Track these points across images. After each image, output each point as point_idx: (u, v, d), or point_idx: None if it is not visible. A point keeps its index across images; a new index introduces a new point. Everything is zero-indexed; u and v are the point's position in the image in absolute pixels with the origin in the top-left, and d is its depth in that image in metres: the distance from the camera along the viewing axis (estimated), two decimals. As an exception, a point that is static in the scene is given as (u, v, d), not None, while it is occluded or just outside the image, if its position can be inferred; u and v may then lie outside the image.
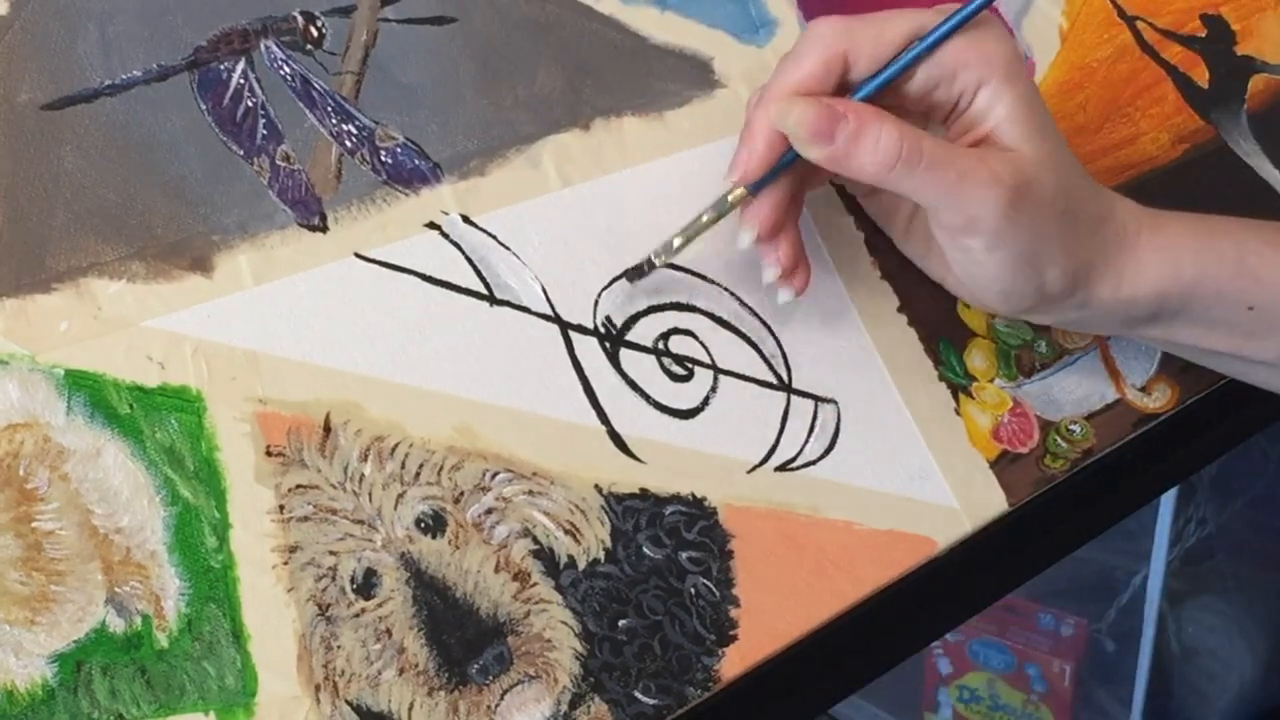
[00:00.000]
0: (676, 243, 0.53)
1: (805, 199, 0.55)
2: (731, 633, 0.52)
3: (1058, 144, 0.50)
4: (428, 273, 0.53)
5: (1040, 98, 0.50)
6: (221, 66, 0.53)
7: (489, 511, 0.51)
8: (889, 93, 0.50)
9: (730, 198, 0.51)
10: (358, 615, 0.49)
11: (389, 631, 0.49)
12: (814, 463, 0.54)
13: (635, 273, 0.53)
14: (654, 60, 0.57)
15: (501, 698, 0.49)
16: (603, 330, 0.54)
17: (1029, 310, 0.52)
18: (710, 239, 0.53)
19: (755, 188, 0.51)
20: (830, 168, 0.49)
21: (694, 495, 0.53)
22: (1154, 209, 0.52)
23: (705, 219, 0.52)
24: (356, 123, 0.53)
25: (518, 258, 0.54)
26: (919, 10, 0.49)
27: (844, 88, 0.50)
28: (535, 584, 0.50)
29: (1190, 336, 0.53)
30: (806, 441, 0.55)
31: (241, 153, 0.52)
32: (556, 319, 0.53)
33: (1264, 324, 0.52)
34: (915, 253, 0.56)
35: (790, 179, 0.52)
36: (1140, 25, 0.65)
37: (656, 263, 0.53)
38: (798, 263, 0.53)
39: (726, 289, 0.55)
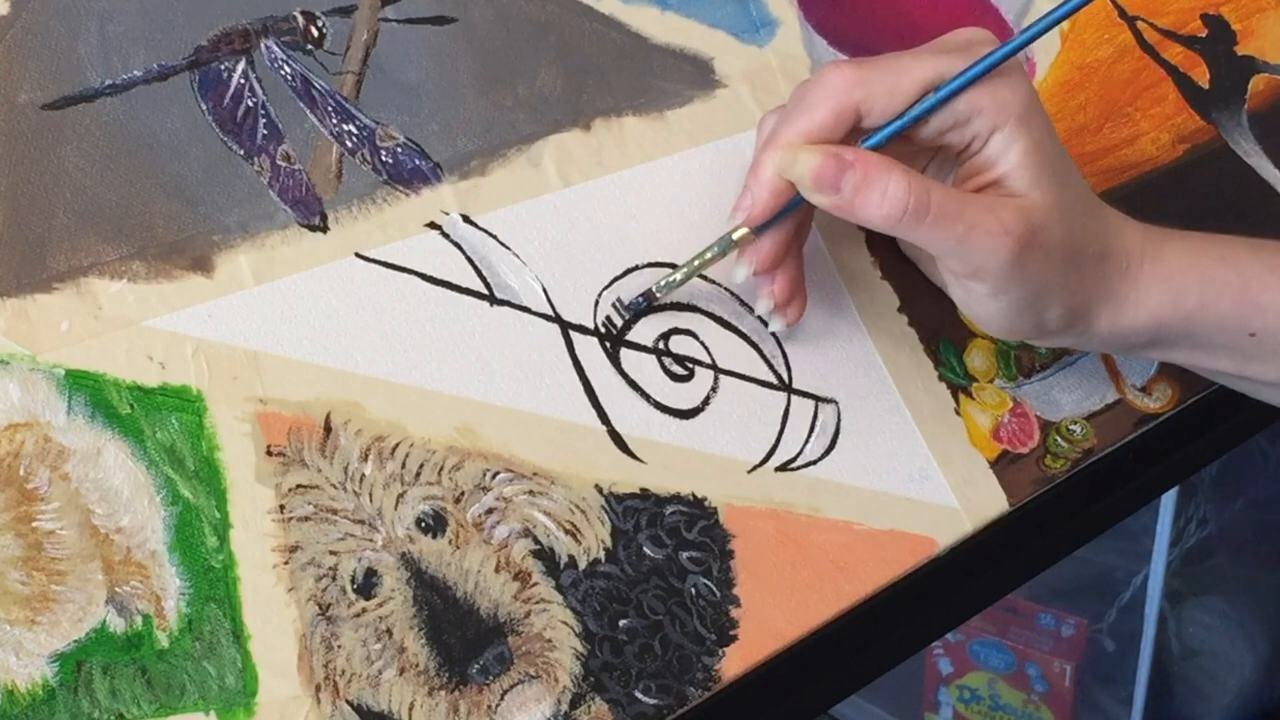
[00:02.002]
0: (678, 277, 0.53)
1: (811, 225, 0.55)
2: (732, 632, 0.52)
3: (1067, 185, 0.50)
4: (428, 272, 0.53)
5: (1055, 139, 0.50)
6: (222, 66, 0.53)
7: (489, 511, 0.51)
8: (900, 134, 0.50)
9: (735, 236, 0.51)
10: (358, 615, 0.49)
11: (389, 631, 0.49)
12: (814, 463, 0.54)
13: (634, 306, 0.54)
14: (655, 60, 0.57)
15: (502, 697, 0.49)
16: (603, 330, 0.54)
17: (1027, 339, 0.53)
18: (712, 239, 0.53)
19: (759, 229, 0.51)
20: (838, 215, 0.49)
21: (694, 495, 0.53)
22: (1157, 232, 0.52)
23: (709, 254, 0.52)
24: (357, 122, 0.53)
25: (518, 257, 0.54)
26: (936, 56, 0.49)
27: (856, 134, 0.50)
28: (536, 584, 0.50)
29: (1190, 359, 0.53)
30: (807, 441, 0.55)
31: (242, 152, 0.52)
32: (557, 319, 0.53)
33: (1266, 349, 0.51)
34: (920, 261, 0.56)
35: (795, 214, 0.52)
36: (1141, 25, 0.65)
37: (658, 296, 0.53)
38: (793, 296, 0.53)
39: (727, 289, 0.55)
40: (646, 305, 0.54)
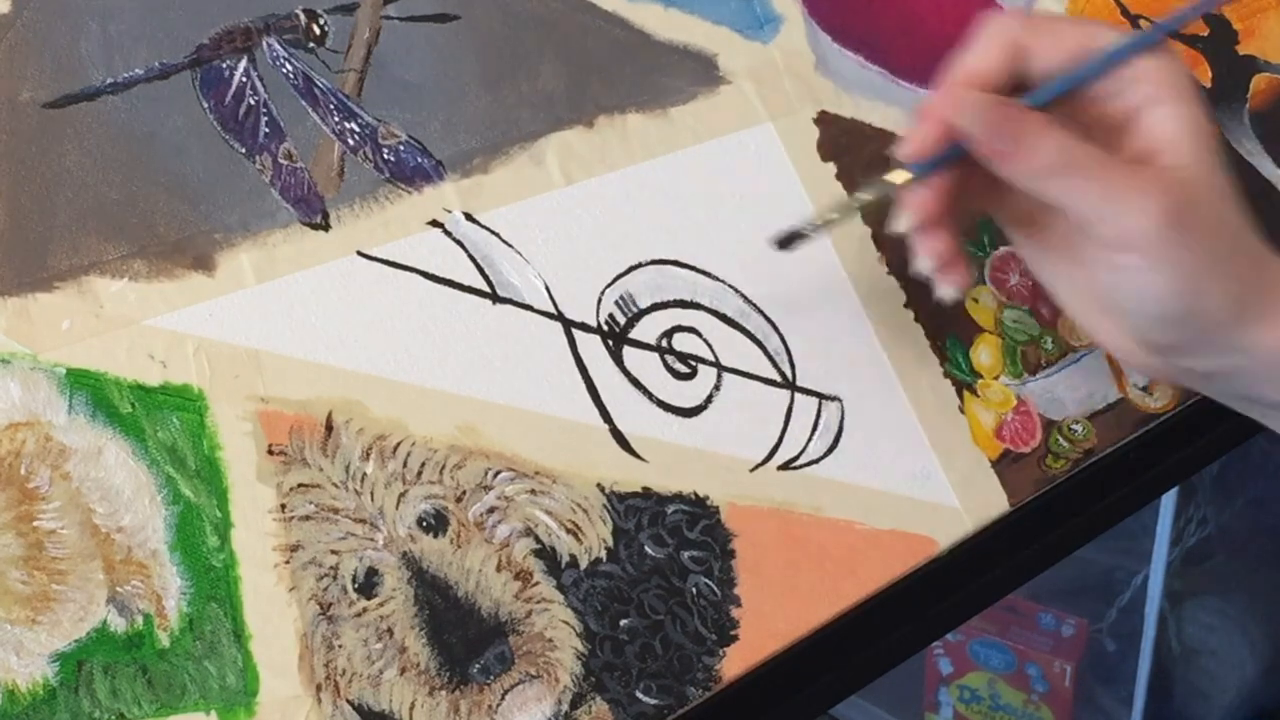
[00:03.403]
0: (833, 216, 0.52)
1: (967, 226, 0.53)
2: (733, 632, 0.52)
3: (1226, 174, 0.47)
4: (430, 271, 0.52)
5: (1214, 124, 0.48)
6: (224, 64, 0.53)
7: (491, 510, 0.51)
8: (1060, 98, 0.48)
9: (895, 178, 0.49)
10: (359, 614, 0.49)
11: (390, 631, 0.49)
12: (817, 461, 0.54)
13: (786, 241, 0.52)
14: (658, 57, 0.57)
15: (503, 697, 0.49)
16: (606, 328, 0.54)
17: (1179, 348, 0.48)
18: (715, 235, 0.53)
19: (919, 171, 0.49)
20: (993, 165, 0.47)
21: (696, 494, 0.53)
22: None
23: (866, 195, 0.50)
24: (359, 120, 0.53)
25: (521, 255, 0.54)
26: (1099, 26, 0.48)
27: (1019, 86, 0.49)
28: (537, 583, 0.50)
29: None
30: (810, 440, 0.55)
31: (244, 151, 0.52)
32: (559, 317, 0.53)
33: None
34: (1051, 269, 0.52)
35: (957, 183, 0.50)
36: (1143, 24, 0.65)
37: (809, 234, 0.52)
38: (954, 258, 0.50)
39: (730, 285, 0.55)
40: (792, 240, 0.52)
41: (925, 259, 0.50)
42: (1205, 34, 0.66)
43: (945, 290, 0.50)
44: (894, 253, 0.58)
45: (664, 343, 0.54)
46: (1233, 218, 0.47)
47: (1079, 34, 0.48)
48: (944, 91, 0.49)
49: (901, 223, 0.49)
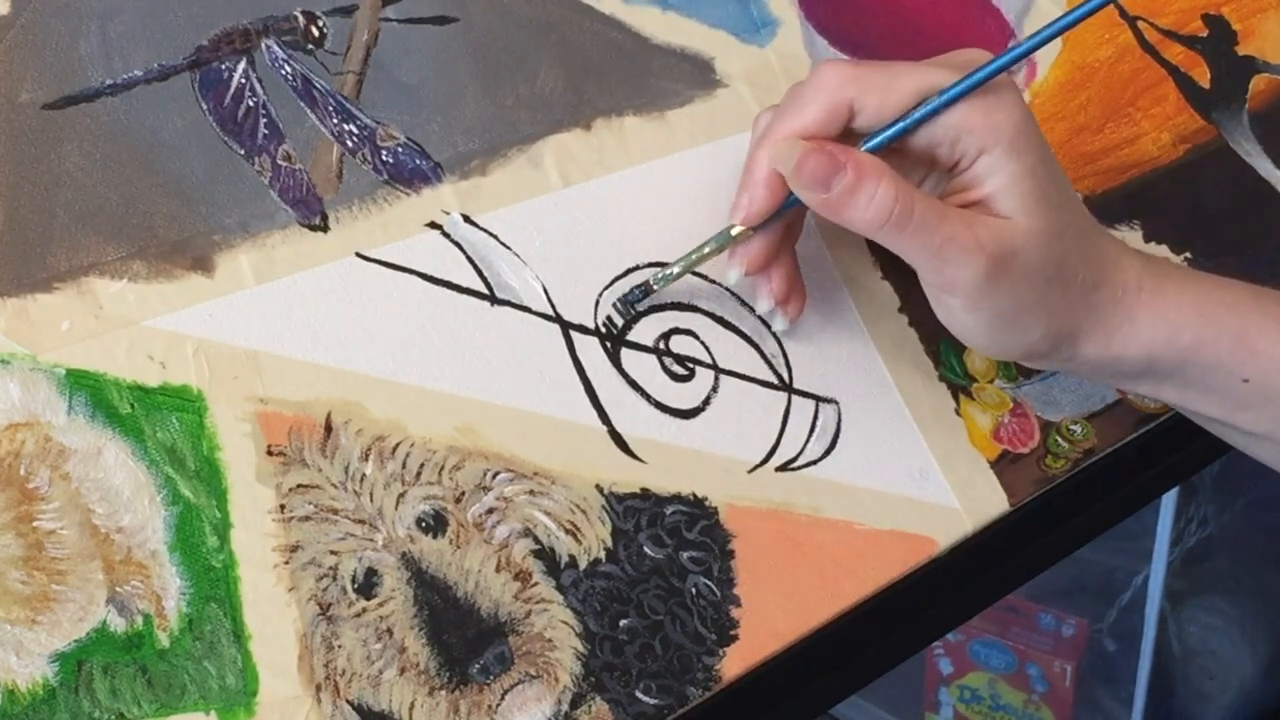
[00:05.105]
0: (676, 270, 0.53)
1: (804, 224, 0.55)
2: (732, 632, 0.52)
3: (1060, 211, 0.49)
4: (429, 272, 0.53)
5: (1049, 165, 0.50)
6: (223, 66, 0.53)
7: (490, 511, 0.51)
8: (895, 142, 0.50)
9: (734, 233, 0.52)
10: (359, 615, 0.49)
11: (390, 631, 0.49)
12: (815, 462, 0.54)
13: (630, 298, 0.54)
14: (655, 60, 0.57)
15: (502, 697, 0.49)
16: (604, 330, 0.54)
17: (1013, 359, 0.54)
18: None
19: (758, 226, 0.51)
20: (823, 214, 0.49)
21: (695, 495, 0.53)
22: (1160, 266, 0.52)
23: (707, 249, 0.52)
24: (358, 122, 0.53)
25: (519, 257, 0.54)
26: (932, 67, 0.49)
27: (847, 134, 0.50)
28: (536, 584, 0.50)
29: (1180, 398, 0.53)
30: (807, 441, 0.55)
31: (243, 152, 0.52)
32: (557, 319, 0.53)
33: (1258, 397, 0.51)
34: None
35: (786, 213, 0.52)
36: (1142, 25, 0.65)
37: (655, 288, 0.53)
38: (791, 292, 0.54)
39: (727, 289, 0.55)
40: (643, 297, 0.54)
41: (763, 300, 0.54)
42: (1204, 34, 0.66)
43: (781, 323, 0.55)
44: (888, 257, 0.58)
45: (662, 345, 0.54)
46: (1061, 259, 0.50)
47: (912, 80, 0.49)
48: (766, 145, 0.50)
49: (731, 275, 0.53)
